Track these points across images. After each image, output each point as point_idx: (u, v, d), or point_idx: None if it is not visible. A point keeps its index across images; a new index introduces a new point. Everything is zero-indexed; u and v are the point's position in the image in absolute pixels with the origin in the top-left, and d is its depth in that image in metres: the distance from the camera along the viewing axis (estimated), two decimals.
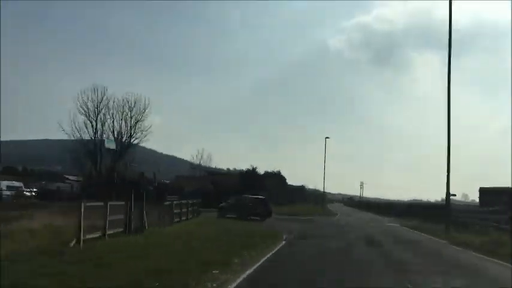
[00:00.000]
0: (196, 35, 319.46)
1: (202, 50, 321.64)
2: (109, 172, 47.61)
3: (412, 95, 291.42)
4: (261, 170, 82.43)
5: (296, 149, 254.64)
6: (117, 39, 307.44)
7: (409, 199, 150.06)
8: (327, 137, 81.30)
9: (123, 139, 48.48)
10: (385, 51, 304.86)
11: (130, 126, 48.85)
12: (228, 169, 75.88)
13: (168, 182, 75.49)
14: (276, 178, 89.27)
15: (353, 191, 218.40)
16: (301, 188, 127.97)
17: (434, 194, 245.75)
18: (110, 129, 48.42)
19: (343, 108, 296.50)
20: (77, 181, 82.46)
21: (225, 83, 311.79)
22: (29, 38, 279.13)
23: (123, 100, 49.17)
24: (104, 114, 48.22)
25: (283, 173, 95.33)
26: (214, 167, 72.24)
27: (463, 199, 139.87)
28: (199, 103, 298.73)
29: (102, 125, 47.95)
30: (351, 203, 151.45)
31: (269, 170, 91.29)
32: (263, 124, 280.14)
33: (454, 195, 62.86)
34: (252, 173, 69.61)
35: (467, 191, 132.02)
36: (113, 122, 48.36)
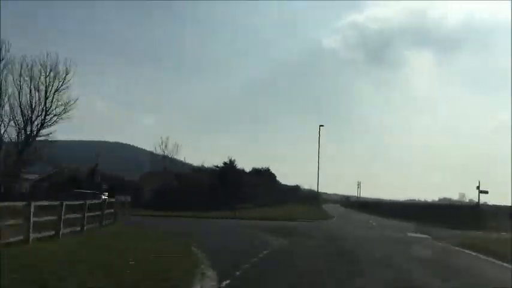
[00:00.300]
0: (185, 35, 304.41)
1: (192, 49, 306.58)
2: (15, 164, 32.21)
3: (407, 94, 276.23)
4: (248, 167, 67.61)
5: (291, 150, 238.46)
6: (111, 39, 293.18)
7: (405, 199, 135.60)
8: (321, 125, 66.66)
9: (34, 115, 32.93)
10: (380, 50, 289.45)
11: (46, 97, 33.26)
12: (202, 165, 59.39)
13: (137, 179, 60.44)
14: (264, 175, 73.81)
15: (349, 191, 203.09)
16: (296, 188, 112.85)
17: (431, 194, 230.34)
18: (15, 99, 32.73)
19: (339, 108, 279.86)
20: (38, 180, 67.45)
21: (216, 83, 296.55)
22: (29, 38, 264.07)
23: (32, 62, 33.71)
24: (5, 80, 32.84)
25: (274, 171, 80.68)
26: (183, 159, 56.20)
27: (461, 199, 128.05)
28: (190, 102, 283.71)
29: (2, 94, 32.51)
30: (348, 203, 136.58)
31: (258, 167, 76.30)
32: (257, 124, 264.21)
33: (486, 192, 48.31)
34: (229, 167, 53.74)
35: (464, 190, 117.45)
36: (19, 91, 32.79)
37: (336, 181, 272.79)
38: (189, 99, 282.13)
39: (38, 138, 33.08)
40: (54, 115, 33.62)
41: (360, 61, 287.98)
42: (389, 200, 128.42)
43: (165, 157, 52.59)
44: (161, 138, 54.01)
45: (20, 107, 32.50)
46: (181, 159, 55.98)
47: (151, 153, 54.17)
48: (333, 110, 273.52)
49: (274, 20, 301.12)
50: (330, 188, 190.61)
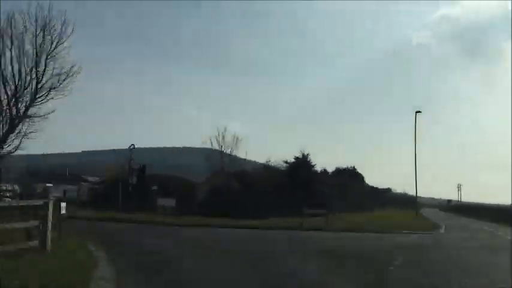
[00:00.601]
0: (269, 35, 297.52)
1: (279, 50, 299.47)
2: None
3: (507, 88, 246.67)
4: (331, 167, 55.80)
5: (382, 151, 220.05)
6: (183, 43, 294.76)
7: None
8: (418, 111, 52.15)
9: (20, 87, 23.41)
10: (475, 43, 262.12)
11: (36, 62, 23.67)
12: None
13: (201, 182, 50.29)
14: (349, 176, 60.91)
15: (446, 194, 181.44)
16: (387, 191, 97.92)
17: None
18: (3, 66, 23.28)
19: (433, 106, 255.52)
20: (97, 183, 60.19)
21: (304, 83, 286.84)
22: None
23: (15, 15, 24.38)
24: None
25: (362, 172, 67.95)
26: (244, 158, 44.35)
27: None
28: (273, 105, 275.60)
29: None
30: (447, 207, 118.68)
31: (342, 167, 63.91)
32: (348, 126, 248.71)
33: None
34: (302, 162, 41.81)
35: None
36: (11, 53, 23.29)
37: (431, 184, 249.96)
38: (273, 101, 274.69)
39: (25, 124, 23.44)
40: (50, 88, 23.94)
41: (456, 56, 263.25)
42: (490, 203, 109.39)
43: (222, 153, 41.75)
44: (217, 128, 43.16)
45: (1, 77, 23.10)
46: (243, 156, 44.51)
47: (206, 150, 43.18)
48: (427, 109, 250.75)
49: (360, 17, 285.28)
50: (424, 191, 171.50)
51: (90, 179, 65.76)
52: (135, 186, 41.72)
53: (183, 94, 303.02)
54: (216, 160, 42.32)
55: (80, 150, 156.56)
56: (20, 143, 23.41)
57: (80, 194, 55.94)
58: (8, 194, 51.34)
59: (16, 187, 52.81)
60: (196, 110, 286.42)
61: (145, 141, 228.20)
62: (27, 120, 23.59)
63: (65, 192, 54.94)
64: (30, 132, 23.69)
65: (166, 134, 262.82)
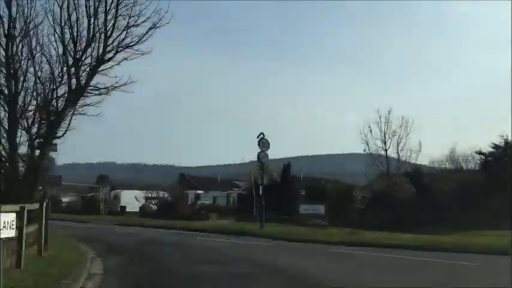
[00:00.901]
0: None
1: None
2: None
3: None
4: None
5: None
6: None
7: None
8: None
9: (80, 43, 16.20)
10: None
11: (106, 9, 16.17)
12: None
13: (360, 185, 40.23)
14: None
15: None
16: None
17: None
18: (54, 22, 16.24)
19: None
20: (244, 188, 54.48)
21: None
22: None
23: None
24: None
25: None
26: (417, 152, 31.14)
27: None
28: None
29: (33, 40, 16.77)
30: None
31: None
32: None
33: None
34: (505, 153, 28.69)
35: None
36: (61, 7, 15.95)
37: None
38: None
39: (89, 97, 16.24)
40: (123, 46, 16.37)
41: None
42: None
43: (385, 143, 30.21)
44: (378, 110, 31.41)
45: (61, 35, 16.21)
46: (416, 148, 31.87)
47: (371, 156, 31.26)
48: None
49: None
50: None
51: (241, 184, 60.26)
52: (276, 189, 33.51)
53: (341, 98, 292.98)
54: (381, 162, 31.24)
55: (247, 160, 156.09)
56: (70, 122, 16.18)
57: (228, 201, 50.67)
58: (153, 202, 47.52)
59: (165, 194, 49.17)
60: (354, 114, 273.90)
61: (303, 149, 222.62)
62: (91, 92, 16.31)
63: (214, 199, 50.51)
64: (84, 106, 16.46)
65: (327, 141, 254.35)
